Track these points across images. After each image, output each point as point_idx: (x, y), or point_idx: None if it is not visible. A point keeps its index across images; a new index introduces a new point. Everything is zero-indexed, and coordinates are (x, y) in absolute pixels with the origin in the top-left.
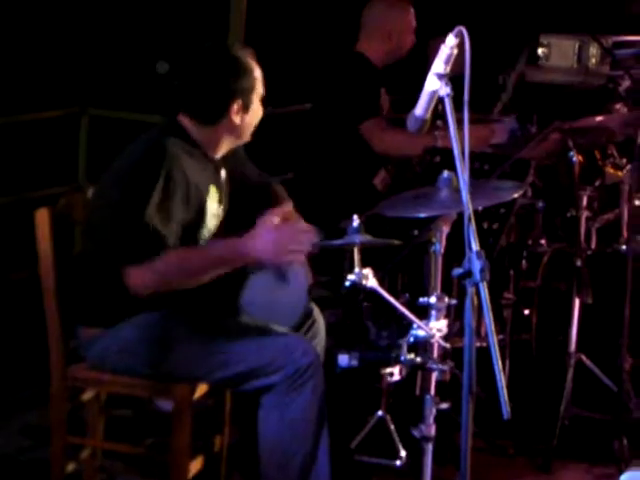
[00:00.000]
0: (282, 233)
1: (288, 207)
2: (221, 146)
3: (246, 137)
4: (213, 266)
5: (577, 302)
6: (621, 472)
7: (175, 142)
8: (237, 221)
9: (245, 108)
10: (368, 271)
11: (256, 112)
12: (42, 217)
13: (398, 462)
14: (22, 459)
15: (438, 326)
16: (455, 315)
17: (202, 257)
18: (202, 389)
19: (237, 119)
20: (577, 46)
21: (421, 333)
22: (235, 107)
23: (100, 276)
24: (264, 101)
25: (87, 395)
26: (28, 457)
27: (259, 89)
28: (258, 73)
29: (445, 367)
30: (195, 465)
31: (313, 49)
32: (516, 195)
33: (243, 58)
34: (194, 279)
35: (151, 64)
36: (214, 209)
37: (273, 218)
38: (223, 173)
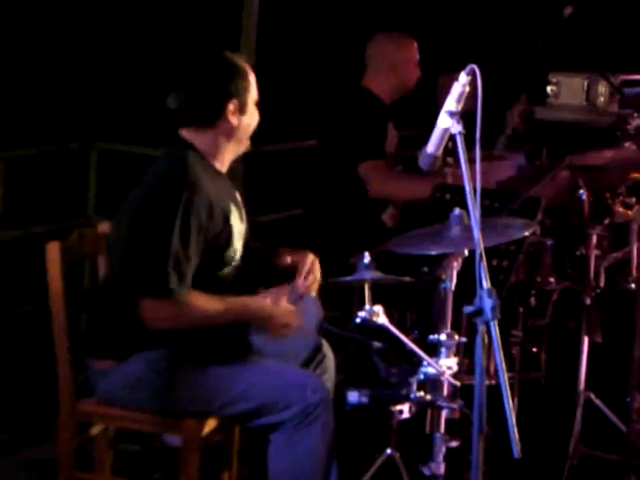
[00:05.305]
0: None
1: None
2: (224, 153)
3: (245, 142)
4: (228, 321)
5: (586, 340)
6: None
7: (194, 159)
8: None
9: (241, 109)
10: (378, 308)
11: (252, 115)
12: (53, 250)
13: None
14: None
15: (448, 364)
16: (464, 353)
17: (221, 313)
18: (211, 425)
19: (234, 120)
20: (586, 84)
21: (431, 371)
22: (231, 107)
23: (119, 305)
24: (259, 107)
25: (95, 430)
26: None
27: (253, 93)
28: (252, 77)
29: (455, 405)
30: None
31: (320, 85)
32: (526, 233)
33: (236, 61)
34: (206, 326)
35: (160, 98)
36: (238, 227)
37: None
38: (236, 192)
